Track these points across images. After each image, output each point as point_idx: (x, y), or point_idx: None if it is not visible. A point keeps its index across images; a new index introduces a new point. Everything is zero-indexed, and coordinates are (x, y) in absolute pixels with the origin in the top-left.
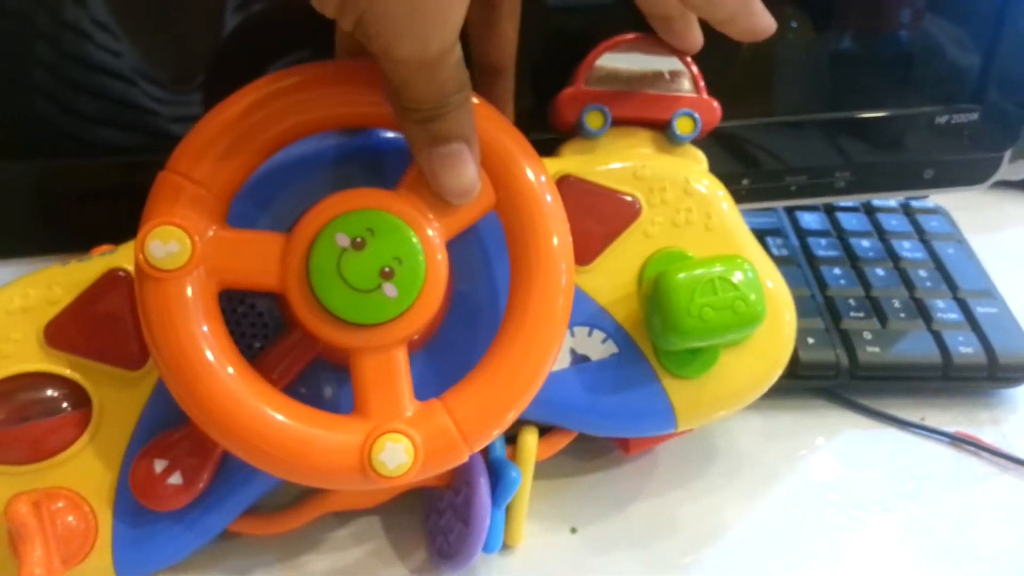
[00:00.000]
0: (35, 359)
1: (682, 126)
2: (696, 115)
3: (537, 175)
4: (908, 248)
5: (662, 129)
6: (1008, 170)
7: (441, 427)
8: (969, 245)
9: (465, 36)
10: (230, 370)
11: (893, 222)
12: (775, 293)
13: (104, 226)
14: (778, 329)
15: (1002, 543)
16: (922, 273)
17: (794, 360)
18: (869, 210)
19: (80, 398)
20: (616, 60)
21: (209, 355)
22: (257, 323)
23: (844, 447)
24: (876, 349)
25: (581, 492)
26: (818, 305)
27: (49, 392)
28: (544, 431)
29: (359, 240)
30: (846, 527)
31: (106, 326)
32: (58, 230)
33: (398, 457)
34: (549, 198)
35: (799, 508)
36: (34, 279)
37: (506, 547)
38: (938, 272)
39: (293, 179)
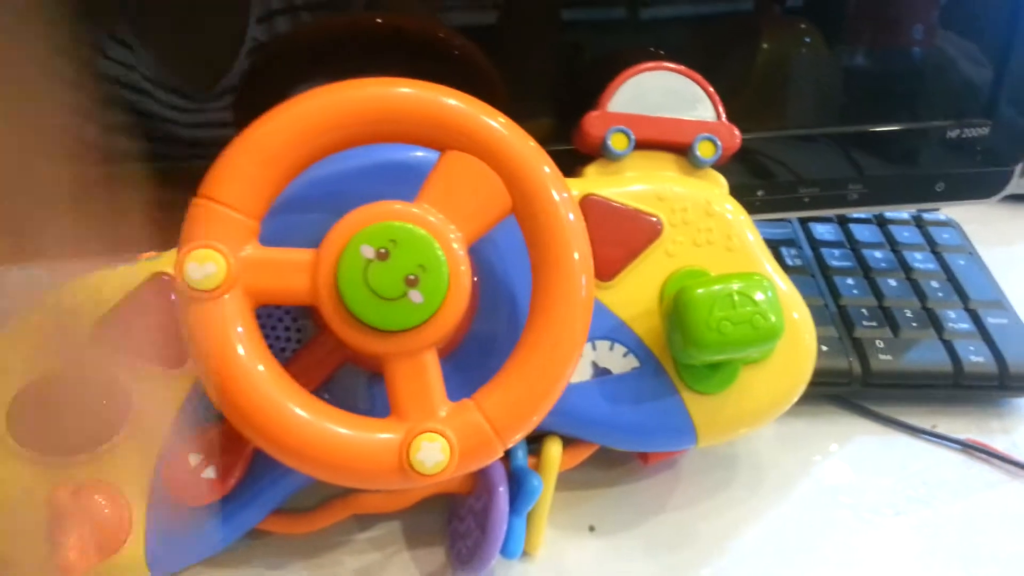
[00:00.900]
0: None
1: (703, 150)
2: (717, 140)
3: (553, 178)
4: (920, 259)
5: (684, 153)
6: (1018, 184)
7: (475, 425)
8: (980, 257)
9: None
10: (271, 381)
11: (905, 234)
12: (794, 311)
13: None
14: (799, 348)
15: (1012, 549)
16: (934, 284)
17: None
18: (881, 222)
19: (122, 394)
20: (640, 85)
21: (249, 368)
22: (291, 327)
23: (856, 453)
24: (888, 357)
25: (599, 498)
26: (831, 314)
27: (92, 387)
28: (566, 442)
29: (383, 251)
30: (858, 531)
31: (149, 327)
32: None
33: (435, 456)
34: (563, 196)
35: (812, 512)
36: (84, 282)
37: (525, 554)
38: (949, 283)
39: (320, 193)
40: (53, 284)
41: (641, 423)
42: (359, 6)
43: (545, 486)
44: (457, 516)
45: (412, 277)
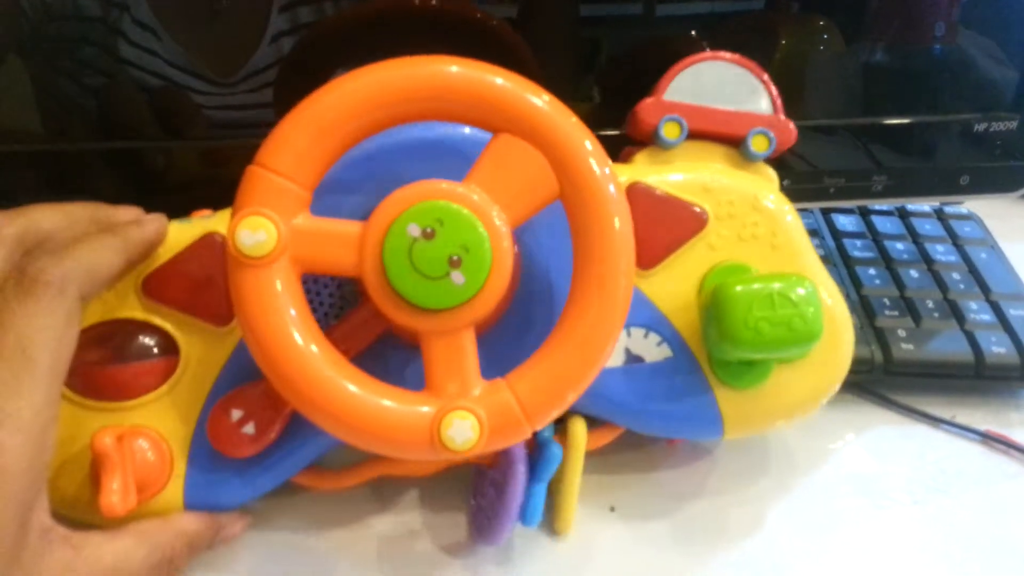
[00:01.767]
0: (132, 307)
1: (757, 144)
2: (771, 134)
3: (600, 164)
4: (941, 251)
5: (737, 145)
6: None
7: (505, 405)
8: (1001, 250)
9: None
10: (313, 348)
11: (927, 226)
12: (835, 313)
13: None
14: (835, 348)
15: None
16: (955, 276)
17: None
18: (903, 214)
19: (169, 346)
20: (698, 75)
21: (294, 335)
22: (335, 293)
23: (876, 441)
24: (910, 347)
25: (623, 481)
26: (853, 304)
27: (142, 338)
28: (592, 424)
29: (429, 230)
30: (876, 518)
31: (199, 284)
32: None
33: (465, 433)
34: (611, 186)
35: (830, 499)
36: None
37: (554, 534)
38: (971, 275)
39: (373, 166)
40: None
41: (669, 412)
42: None
43: (573, 466)
44: (479, 492)
45: (456, 258)
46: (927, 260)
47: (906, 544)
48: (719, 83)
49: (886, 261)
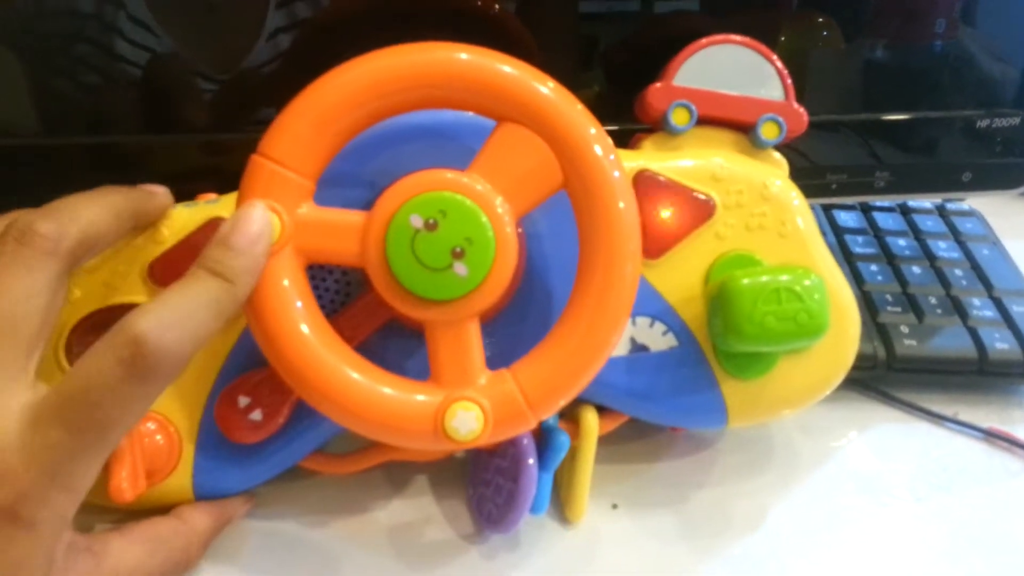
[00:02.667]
0: (138, 292)
1: (767, 131)
2: (782, 121)
3: (605, 151)
4: (944, 248)
5: (747, 132)
6: None
7: (510, 396)
8: (1004, 247)
9: None
10: (319, 338)
11: (929, 223)
12: (842, 305)
13: None
14: (841, 341)
15: None
16: (958, 272)
17: None
18: (905, 211)
19: None
20: (709, 59)
21: (299, 326)
22: (340, 280)
23: (878, 439)
24: (913, 342)
25: (627, 474)
26: (855, 300)
27: None
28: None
29: (432, 221)
30: (878, 515)
31: None
32: None
33: (469, 424)
34: (617, 173)
35: (833, 495)
36: None
37: (566, 521)
38: (973, 272)
39: (378, 152)
40: None
41: (673, 401)
42: None
43: (585, 455)
44: (482, 481)
45: (459, 250)
46: (929, 256)
47: (908, 541)
48: (730, 68)
49: (888, 257)
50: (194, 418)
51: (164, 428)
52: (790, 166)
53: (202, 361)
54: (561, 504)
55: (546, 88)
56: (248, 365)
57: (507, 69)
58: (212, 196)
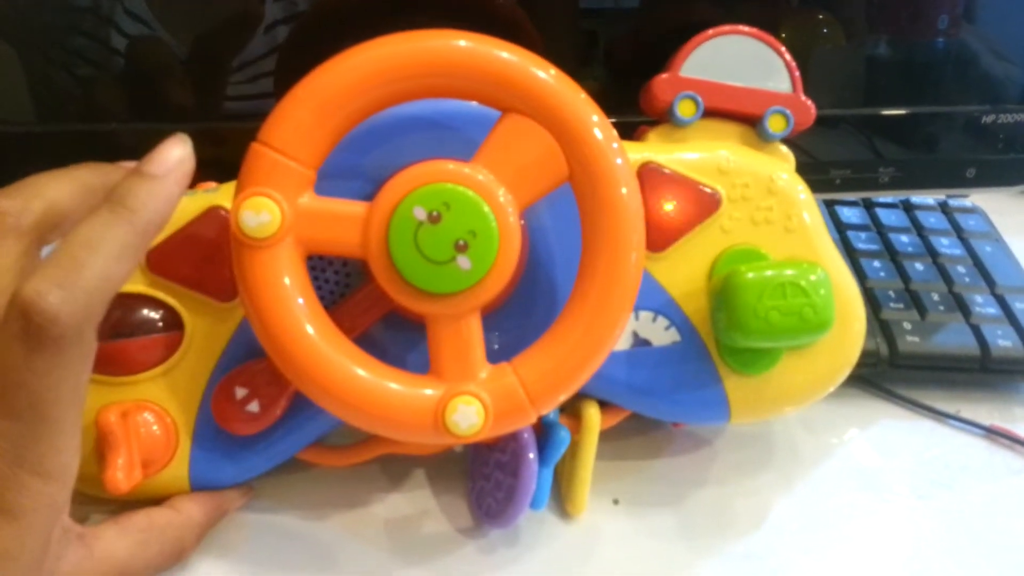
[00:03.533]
0: (136, 281)
1: (774, 123)
2: (789, 113)
3: (609, 141)
4: (946, 245)
5: (753, 124)
6: None
7: (510, 390)
8: (1006, 244)
9: None
10: (318, 330)
11: (931, 219)
12: (847, 301)
13: None
14: (845, 337)
15: None
16: (960, 269)
17: None
18: (908, 207)
19: (174, 322)
20: (716, 50)
21: (298, 318)
22: (340, 271)
23: (880, 436)
24: (916, 339)
25: (627, 471)
26: (861, 296)
27: (146, 313)
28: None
29: (435, 214)
30: (880, 512)
31: (203, 259)
32: None
33: (470, 418)
34: (621, 164)
35: (834, 492)
36: None
37: (567, 515)
38: (976, 268)
39: (381, 141)
40: None
41: (675, 396)
42: None
43: (586, 450)
44: (482, 475)
45: (462, 243)
46: (932, 253)
47: (909, 538)
48: (737, 59)
49: (891, 253)
50: (191, 409)
51: (161, 419)
52: (796, 158)
53: (199, 351)
54: (561, 499)
55: (548, 75)
56: (246, 355)
57: (509, 56)
58: (212, 185)
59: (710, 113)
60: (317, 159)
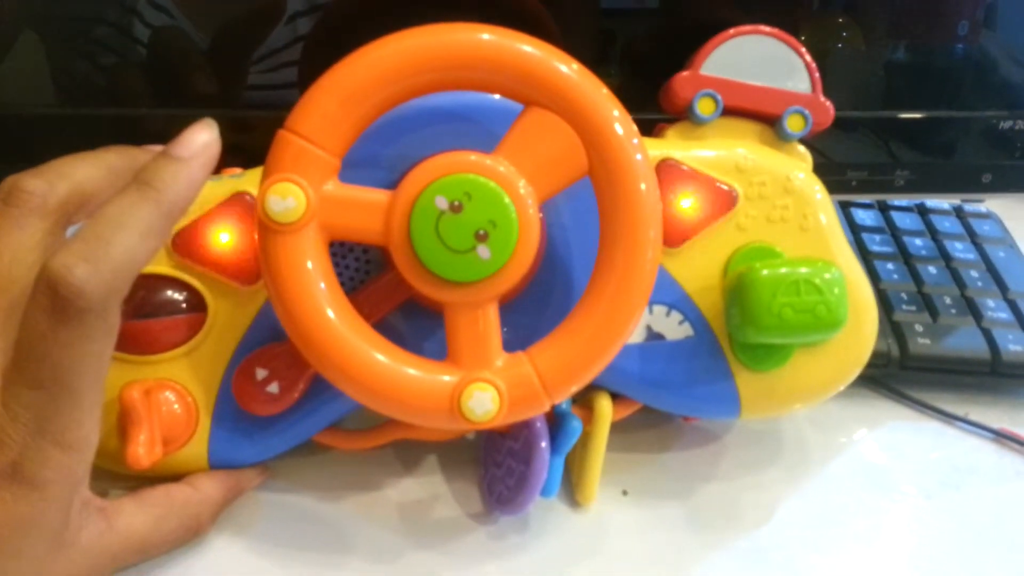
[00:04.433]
0: (161, 263)
1: (793, 123)
2: (808, 114)
3: (629, 136)
4: (960, 249)
5: (772, 123)
6: None
7: (525, 379)
8: (1020, 250)
9: None
10: (339, 315)
11: (946, 224)
12: (860, 300)
13: None
14: (857, 336)
15: None
16: (973, 273)
17: None
18: (922, 211)
19: (197, 303)
20: (736, 49)
21: (321, 303)
22: (361, 258)
23: (889, 436)
24: (927, 341)
25: (637, 463)
26: (874, 297)
27: (170, 294)
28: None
29: (457, 203)
30: (887, 512)
31: (227, 243)
32: None
33: (485, 405)
34: (640, 159)
35: (842, 491)
36: None
37: (576, 505)
38: (989, 273)
39: (404, 132)
40: None
41: (687, 391)
42: None
43: (598, 440)
44: (494, 462)
45: (482, 232)
46: (945, 257)
47: (916, 538)
48: (757, 59)
49: (904, 256)
50: (211, 389)
51: (182, 398)
52: (813, 158)
53: (221, 333)
54: (572, 488)
55: (570, 69)
56: (267, 338)
57: (532, 50)
58: (237, 171)
59: (729, 111)
60: (342, 147)
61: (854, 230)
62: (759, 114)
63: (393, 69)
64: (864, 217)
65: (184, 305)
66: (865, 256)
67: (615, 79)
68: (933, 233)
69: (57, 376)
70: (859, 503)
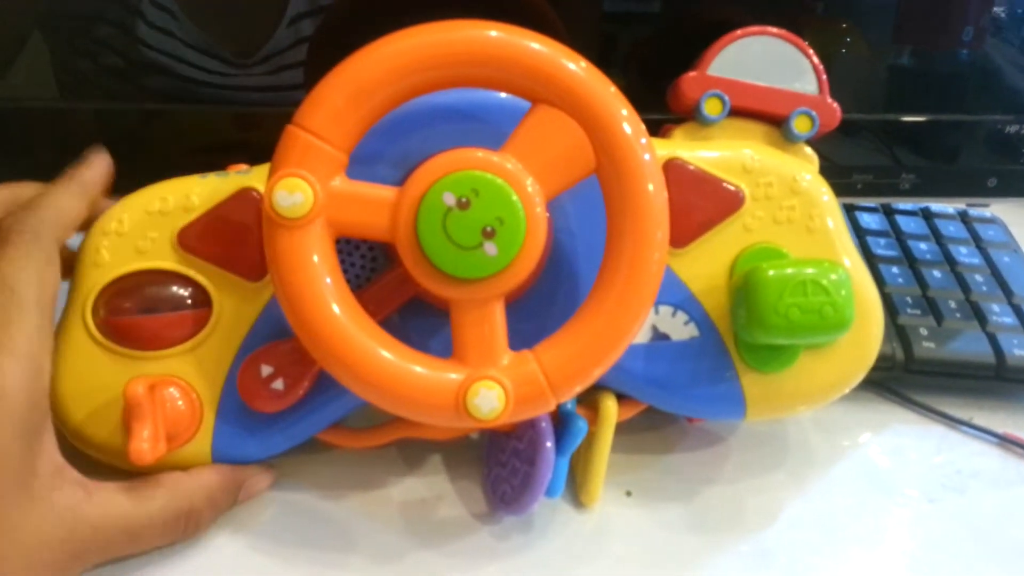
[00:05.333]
0: (167, 258)
1: (800, 124)
2: (815, 115)
3: (637, 135)
4: (965, 253)
5: (779, 125)
6: None
7: (531, 377)
8: None
9: None
10: (345, 311)
11: (951, 228)
12: (866, 303)
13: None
14: (863, 339)
15: None
16: (978, 278)
17: None
18: (927, 215)
19: (203, 299)
20: (744, 50)
21: (327, 298)
22: (367, 255)
23: (893, 439)
24: (932, 345)
25: (640, 464)
26: (880, 299)
27: (176, 289)
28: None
29: (464, 200)
30: (891, 515)
31: (233, 239)
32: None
33: (491, 403)
34: (648, 159)
35: (846, 494)
36: (173, 186)
37: (580, 505)
38: (993, 278)
39: (411, 128)
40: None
41: (692, 392)
42: None
43: (603, 441)
44: (499, 463)
45: (489, 229)
46: (950, 261)
47: (920, 542)
48: (765, 60)
49: (909, 260)
50: (216, 385)
51: (186, 394)
52: (819, 161)
53: (226, 329)
54: (576, 489)
55: (579, 67)
56: (272, 334)
57: (540, 47)
58: (243, 167)
59: (736, 112)
60: (350, 143)
61: (859, 233)
62: (766, 115)
63: (401, 65)
64: (869, 221)
65: (189, 301)
66: (870, 260)
67: (623, 78)
68: (938, 237)
69: (6, 283)
70: (863, 506)
